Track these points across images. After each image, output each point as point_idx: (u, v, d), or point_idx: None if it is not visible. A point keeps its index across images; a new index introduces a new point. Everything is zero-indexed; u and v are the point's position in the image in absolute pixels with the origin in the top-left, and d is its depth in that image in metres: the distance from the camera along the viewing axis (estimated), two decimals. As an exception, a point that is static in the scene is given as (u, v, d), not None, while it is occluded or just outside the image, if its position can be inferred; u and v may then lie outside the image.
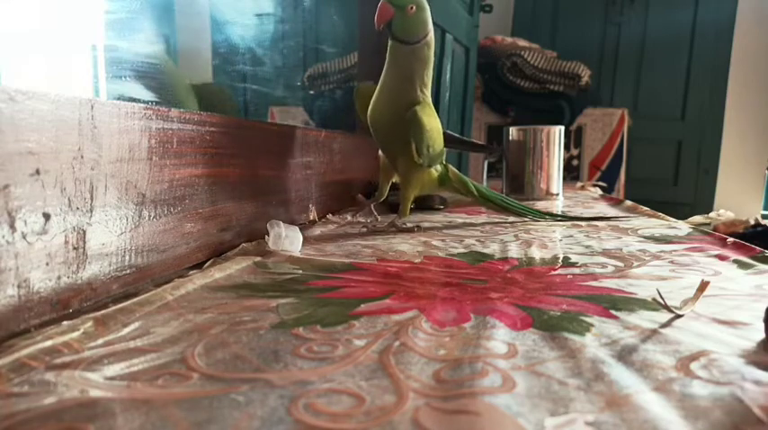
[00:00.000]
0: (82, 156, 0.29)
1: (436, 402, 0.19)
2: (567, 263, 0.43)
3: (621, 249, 0.48)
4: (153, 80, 0.77)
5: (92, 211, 0.30)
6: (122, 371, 0.21)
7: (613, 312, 0.29)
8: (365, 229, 0.59)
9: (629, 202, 0.86)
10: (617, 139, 1.97)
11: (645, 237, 0.54)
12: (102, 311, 0.28)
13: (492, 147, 1.06)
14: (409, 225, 0.60)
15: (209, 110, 0.43)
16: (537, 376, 0.21)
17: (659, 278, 0.37)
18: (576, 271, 0.40)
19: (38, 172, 0.26)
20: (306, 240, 0.50)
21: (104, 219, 0.31)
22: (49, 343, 0.23)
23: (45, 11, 0.65)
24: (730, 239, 0.50)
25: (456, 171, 0.64)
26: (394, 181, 0.62)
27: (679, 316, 0.29)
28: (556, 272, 0.40)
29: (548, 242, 0.52)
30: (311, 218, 0.66)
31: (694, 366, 0.22)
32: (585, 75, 1.89)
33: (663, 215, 0.71)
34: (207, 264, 0.41)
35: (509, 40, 2.05)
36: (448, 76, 1.37)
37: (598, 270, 0.40)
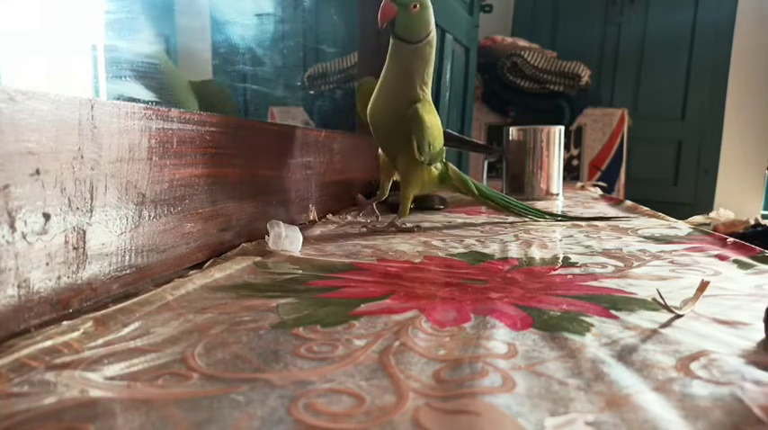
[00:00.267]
0: (82, 157, 0.29)
1: (436, 402, 0.19)
2: (567, 263, 0.43)
3: (621, 249, 0.48)
4: (152, 80, 0.77)
5: (92, 211, 0.30)
6: (122, 371, 0.21)
7: (613, 312, 0.29)
8: (365, 229, 0.59)
9: (629, 202, 0.86)
10: (617, 139, 1.97)
11: (645, 237, 0.54)
12: (102, 311, 0.28)
13: (492, 147, 1.06)
14: (409, 225, 0.60)
15: (208, 108, 0.43)
16: (537, 376, 0.21)
17: (659, 278, 0.37)
18: (576, 271, 0.40)
19: (38, 172, 0.26)
20: (306, 240, 0.50)
21: (104, 219, 0.31)
22: (49, 343, 0.23)
23: (45, 11, 0.65)
24: (730, 239, 0.50)
25: (456, 169, 0.64)
26: (395, 179, 0.62)
27: (679, 316, 0.29)
28: (556, 272, 0.40)
29: (548, 242, 0.52)
30: (311, 218, 0.66)
31: (694, 366, 0.22)
32: (585, 75, 1.89)
33: (663, 215, 0.71)
34: (207, 264, 0.41)
35: (509, 40, 2.05)
36: (448, 76, 1.37)
37: (598, 270, 0.40)
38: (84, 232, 0.29)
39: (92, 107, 0.30)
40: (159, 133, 0.36)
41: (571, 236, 0.56)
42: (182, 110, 0.39)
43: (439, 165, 0.61)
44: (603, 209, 0.82)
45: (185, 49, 1.14)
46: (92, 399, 0.19)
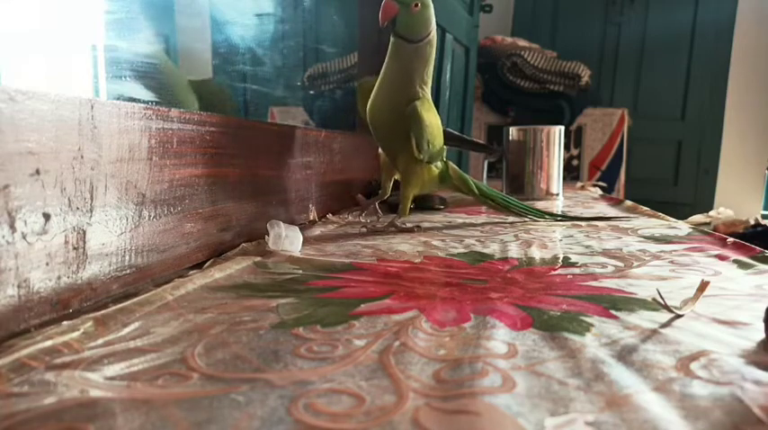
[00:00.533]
0: (82, 156, 0.29)
1: (436, 402, 0.19)
2: (567, 263, 0.43)
3: (621, 249, 0.48)
4: (152, 80, 0.77)
5: (92, 211, 0.30)
6: (122, 371, 0.21)
7: (613, 312, 0.29)
8: (365, 229, 0.59)
9: (629, 202, 0.86)
10: (617, 139, 1.97)
11: (645, 237, 0.54)
12: (102, 311, 0.28)
13: (492, 146, 1.06)
14: (409, 225, 0.60)
15: (207, 107, 0.43)
16: (537, 376, 0.21)
17: (659, 278, 0.37)
18: (576, 271, 0.40)
19: (38, 172, 0.26)
20: (306, 240, 0.50)
21: (104, 219, 0.31)
22: (49, 343, 0.23)
23: (45, 11, 0.65)
24: (730, 239, 0.50)
25: (456, 168, 0.64)
26: (396, 178, 0.61)
27: (679, 316, 0.29)
28: (556, 272, 0.40)
29: (548, 242, 0.52)
30: (311, 218, 0.66)
31: (694, 366, 0.22)
32: (585, 75, 1.89)
33: (663, 215, 0.71)
34: (207, 264, 0.41)
35: (509, 40, 2.05)
36: (448, 75, 1.37)
37: (598, 270, 0.40)
38: (84, 232, 0.29)
39: (92, 107, 0.30)
40: (159, 133, 0.36)
41: (571, 236, 0.56)
42: (182, 110, 0.39)
43: (439, 164, 0.61)
44: (603, 209, 0.82)
45: (185, 48, 1.14)
46: (92, 399, 0.19)
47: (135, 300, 0.30)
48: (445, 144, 0.62)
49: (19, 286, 0.25)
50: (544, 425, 0.17)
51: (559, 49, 2.06)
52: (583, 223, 0.65)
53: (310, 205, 0.66)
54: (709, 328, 0.27)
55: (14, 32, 0.59)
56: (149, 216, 0.36)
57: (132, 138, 0.34)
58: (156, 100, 0.76)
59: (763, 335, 0.25)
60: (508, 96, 1.93)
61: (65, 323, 0.26)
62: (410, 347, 0.24)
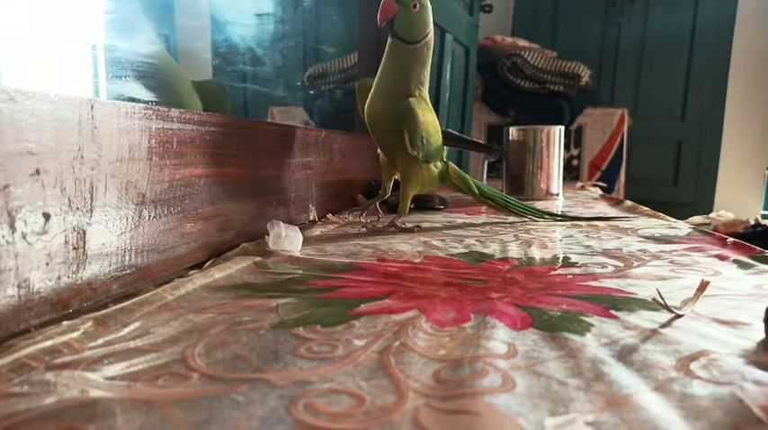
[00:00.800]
0: (82, 156, 0.29)
1: (436, 402, 0.19)
2: (567, 263, 0.43)
3: (621, 249, 0.48)
4: (153, 80, 0.77)
5: (92, 211, 0.30)
6: (122, 371, 0.21)
7: (613, 312, 0.29)
8: (365, 229, 0.59)
9: (629, 202, 0.86)
10: (617, 139, 1.97)
11: (645, 237, 0.54)
12: (102, 311, 0.28)
13: (492, 146, 1.06)
14: (409, 225, 0.60)
15: (209, 106, 0.43)
16: (537, 376, 0.21)
17: (659, 278, 0.37)
18: (576, 271, 0.40)
19: (38, 172, 0.26)
20: (306, 240, 0.50)
21: (104, 219, 0.31)
22: (49, 343, 0.23)
23: (45, 10, 0.65)
24: (730, 239, 0.50)
25: (456, 168, 0.64)
26: (396, 178, 0.61)
27: (679, 316, 0.29)
28: (556, 272, 0.40)
29: (548, 242, 0.52)
30: (311, 218, 0.66)
31: (694, 366, 0.22)
32: (585, 75, 1.89)
33: (663, 215, 0.71)
34: (207, 264, 0.41)
35: (509, 40, 2.05)
36: (448, 76, 1.37)
37: (598, 270, 0.40)
38: (84, 232, 0.29)
39: (92, 107, 0.30)
40: (159, 133, 0.36)
41: (571, 236, 0.56)
42: (182, 110, 0.39)
43: (439, 164, 0.61)
44: (603, 209, 0.82)
45: (185, 48, 1.14)
46: (92, 399, 0.19)
47: (135, 300, 0.30)
48: (445, 144, 0.62)
49: (19, 286, 0.25)
50: (544, 425, 0.17)
51: (559, 49, 2.06)
52: (583, 223, 0.65)
53: (310, 205, 0.66)
54: (709, 328, 0.27)
55: (14, 32, 0.59)
56: (149, 216, 0.36)
57: (132, 138, 0.34)
58: (157, 100, 0.76)
59: (763, 335, 0.25)
60: (508, 96, 1.93)
61: (65, 323, 0.26)
62: (410, 347, 0.24)
